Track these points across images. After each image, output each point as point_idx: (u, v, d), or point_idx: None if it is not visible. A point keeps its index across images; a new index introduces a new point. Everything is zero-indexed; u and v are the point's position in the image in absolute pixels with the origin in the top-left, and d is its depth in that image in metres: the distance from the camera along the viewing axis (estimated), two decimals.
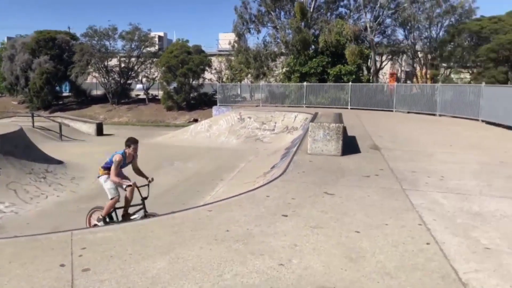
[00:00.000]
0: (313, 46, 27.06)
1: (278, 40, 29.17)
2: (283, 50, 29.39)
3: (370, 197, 5.21)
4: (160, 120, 31.63)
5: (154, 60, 35.47)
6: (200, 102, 33.03)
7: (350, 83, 22.79)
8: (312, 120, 9.62)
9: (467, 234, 3.96)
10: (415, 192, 5.44)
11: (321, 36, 25.82)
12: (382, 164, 7.34)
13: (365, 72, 28.01)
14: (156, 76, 35.96)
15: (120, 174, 6.91)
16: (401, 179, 6.16)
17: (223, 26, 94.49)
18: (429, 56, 29.49)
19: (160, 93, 36.01)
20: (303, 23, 27.04)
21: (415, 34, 30.03)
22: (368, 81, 26.27)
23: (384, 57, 32.42)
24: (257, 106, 24.14)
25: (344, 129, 9.81)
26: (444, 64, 30.01)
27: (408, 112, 19.33)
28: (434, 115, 17.77)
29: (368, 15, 28.27)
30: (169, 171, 12.89)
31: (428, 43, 29.61)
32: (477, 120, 15.11)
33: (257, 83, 28.40)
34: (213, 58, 36.42)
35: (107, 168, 6.89)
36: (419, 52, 30.66)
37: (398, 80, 32.16)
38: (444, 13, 28.15)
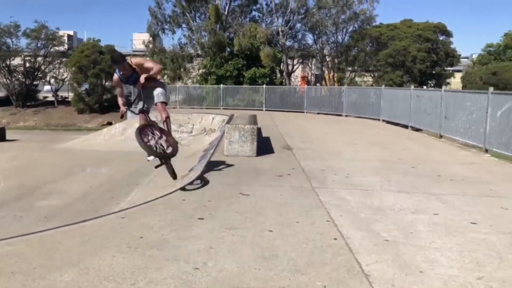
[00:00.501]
0: (228, 49, 27.23)
1: (194, 42, 28.91)
2: (199, 52, 29.19)
3: (283, 196, 5.36)
4: (71, 124, 29.79)
5: (63, 60, 33.30)
6: (114, 104, 31.56)
7: (264, 86, 23.29)
8: (228, 122, 9.67)
9: (370, 228, 4.22)
10: (324, 190, 5.69)
11: (236, 39, 26.09)
12: (294, 163, 7.60)
13: (278, 75, 28.84)
14: (66, 77, 33.81)
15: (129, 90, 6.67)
16: (311, 178, 6.42)
17: (137, 25, 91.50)
18: (336, 60, 31.17)
19: (70, 95, 33.88)
20: (218, 26, 27.09)
21: (323, 39, 31.57)
22: (281, 83, 27.08)
23: (295, 61, 33.65)
24: (174, 108, 23.72)
25: (259, 130, 10.00)
26: (349, 68, 31.91)
27: (318, 113, 20.24)
28: (341, 115, 18.80)
29: (280, 20, 29.13)
30: (81, 177, 12.17)
31: (335, 48, 31.28)
32: (379, 119, 16.26)
33: (173, 84, 27.88)
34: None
35: None
36: (327, 56, 32.28)
37: (308, 83, 33.54)
38: (348, 19, 29.94)
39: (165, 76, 31.42)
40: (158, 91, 6.37)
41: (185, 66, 29.94)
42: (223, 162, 7.72)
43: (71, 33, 45.77)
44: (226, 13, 28.17)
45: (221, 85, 24.10)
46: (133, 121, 19.86)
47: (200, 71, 28.97)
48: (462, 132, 10.46)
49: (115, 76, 6.20)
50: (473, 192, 5.77)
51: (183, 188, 5.94)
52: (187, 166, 10.75)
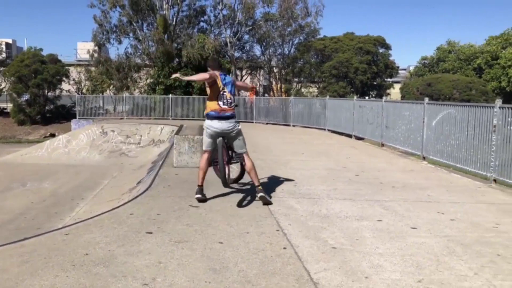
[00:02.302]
0: (177, 59, 26.95)
1: (141, 52, 28.37)
2: (146, 62, 28.68)
3: (233, 207, 5.35)
4: (10, 136, 28.09)
5: (1, 69, 31.46)
6: (57, 115, 30.28)
7: None
8: (177, 133, 9.54)
9: (317, 236, 4.30)
10: (273, 199, 5.73)
11: (184, 50, 25.87)
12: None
13: None
14: (4, 87, 31.94)
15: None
16: None
17: (82, 34, 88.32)
18: (283, 71, 31.75)
19: (9, 106, 32.03)
20: (166, 36, 26.76)
21: (270, 50, 32.10)
22: None
23: (244, 72, 33.90)
24: (121, 118, 23.09)
25: None
26: (296, 79, 32.60)
27: (267, 123, 20.47)
28: (288, 125, 19.11)
29: (228, 31, 29.28)
30: (21, 192, 11.49)
31: (281, 59, 31.86)
32: (324, 129, 16.68)
33: (120, 95, 27.14)
34: (72, 68, 33.83)
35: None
36: (274, 68, 32.81)
37: (257, 93, 33.89)
38: (294, 31, 30.64)
39: (111, 86, 30.55)
40: None
41: (132, 76, 29.28)
42: (172, 174, 7.59)
43: (10, 41, 43.44)
44: (174, 23, 27.91)
45: (170, 95, 23.76)
46: (78, 132, 19.09)
47: (148, 81, 28.45)
48: (401, 140, 10.96)
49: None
50: (413, 198, 6.05)
51: (130, 202, 5.77)
52: (136, 178, 10.48)
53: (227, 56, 29.36)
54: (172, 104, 23.26)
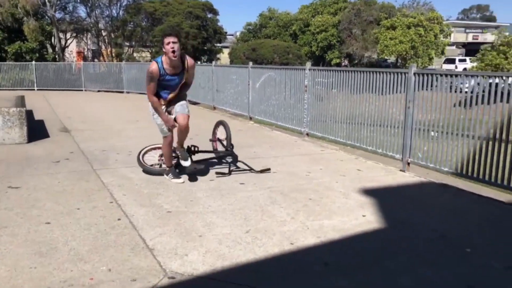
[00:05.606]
0: None
1: None
2: None
3: (61, 183, 4.87)
4: None
5: None
6: None
7: (34, 62, 20.42)
8: None
9: (153, 202, 4.24)
10: (106, 171, 5.42)
11: None
12: (73, 146, 6.98)
13: (50, 51, 25.66)
14: None
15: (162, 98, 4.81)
16: (92, 160, 6.02)
17: None
18: (113, 35, 29.60)
19: None
20: None
21: (97, 12, 29.46)
22: (54, 59, 24.22)
23: (68, 35, 30.45)
24: None
25: (30, 113, 8.80)
26: (127, 43, 30.78)
27: (99, 91, 19.03)
28: (122, 92, 18.13)
29: None
30: None
31: (110, 22, 29.59)
32: None
33: None
34: None
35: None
36: (102, 31, 30.31)
37: (85, 58, 31.03)
38: None
39: None
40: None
41: None
42: None
43: None
44: None
45: None
46: None
47: None
48: (231, 103, 11.44)
49: (154, 64, 4.52)
50: (241, 156, 6.38)
51: None
52: None
53: (46, 17, 25.84)
54: None
